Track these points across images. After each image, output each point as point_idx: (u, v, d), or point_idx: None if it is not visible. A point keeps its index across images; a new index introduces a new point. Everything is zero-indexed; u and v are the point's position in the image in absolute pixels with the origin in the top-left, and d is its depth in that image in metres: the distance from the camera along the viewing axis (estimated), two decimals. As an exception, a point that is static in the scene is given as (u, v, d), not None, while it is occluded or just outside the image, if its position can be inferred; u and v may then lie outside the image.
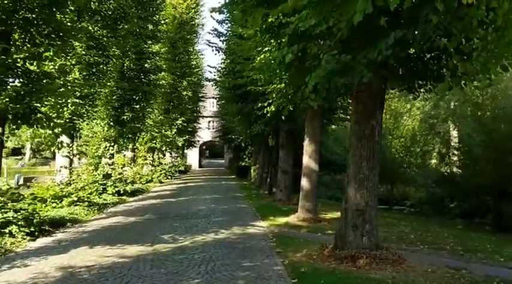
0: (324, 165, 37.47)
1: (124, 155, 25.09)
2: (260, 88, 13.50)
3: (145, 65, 22.74)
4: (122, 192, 20.96)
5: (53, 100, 14.03)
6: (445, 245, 11.93)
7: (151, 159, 33.48)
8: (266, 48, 12.05)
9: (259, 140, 26.88)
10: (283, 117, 13.79)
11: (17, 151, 61.60)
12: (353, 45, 7.85)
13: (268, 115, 13.57)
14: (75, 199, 15.74)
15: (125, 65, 21.97)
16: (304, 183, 14.41)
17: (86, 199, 16.30)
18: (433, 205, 24.67)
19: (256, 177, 32.89)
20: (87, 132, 21.32)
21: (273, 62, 9.78)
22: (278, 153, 22.49)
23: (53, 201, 15.40)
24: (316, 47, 8.09)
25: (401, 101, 28.45)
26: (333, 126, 21.93)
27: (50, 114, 15.55)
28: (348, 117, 19.72)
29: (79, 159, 20.92)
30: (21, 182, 25.96)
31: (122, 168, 26.77)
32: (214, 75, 23.08)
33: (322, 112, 15.20)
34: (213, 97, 37.58)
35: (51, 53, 11.50)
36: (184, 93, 35.32)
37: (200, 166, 65.17)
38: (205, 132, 58.77)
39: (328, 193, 34.25)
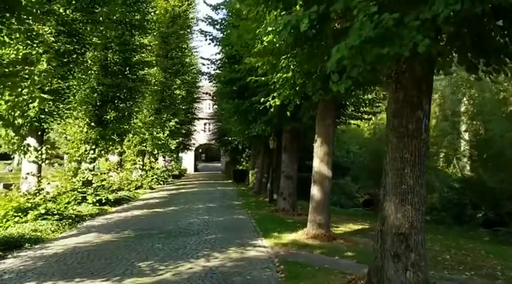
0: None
1: (107, 159, 22.57)
2: (262, 78, 11.09)
3: (131, 58, 20.25)
4: (103, 201, 18.50)
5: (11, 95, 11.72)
6: (494, 271, 9.63)
7: (142, 163, 30.97)
8: (270, 28, 9.68)
9: (258, 142, 24.50)
10: (288, 114, 11.44)
11: (7, 155, 59.03)
12: (399, 1, 5.50)
13: (272, 110, 11.19)
14: (43, 211, 13.25)
15: (108, 57, 19.51)
16: (315, 191, 11.98)
17: (56, 212, 13.80)
18: (451, 212, 22.28)
19: (254, 182, 30.48)
20: (59, 134, 18.94)
21: (280, 33, 7.35)
22: (279, 156, 20.11)
23: (15, 214, 12.93)
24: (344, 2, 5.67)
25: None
26: (343, 126, 19.46)
27: (11, 112, 13.24)
28: (360, 114, 17.34)
29: (51, 164, 18.38)
30: (1, 188, 23.45)
31: (107, 173, 24.34)
32: (208, 68, 20.72)
33: (335, 108, 12.78)
34: (208, 95, 34.94)
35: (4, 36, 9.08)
36: (178, 92, 32.78)
37: (196, 170, 62.72)
38: (201, 135, 56.29)
39: (332, 199, 31.86)
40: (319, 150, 11.93)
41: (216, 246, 10.52)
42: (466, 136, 31.00)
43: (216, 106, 45.52)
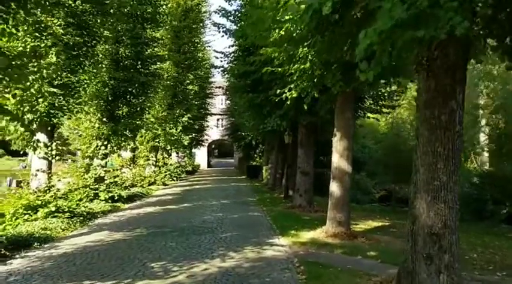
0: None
1: (119, 155, 22.20)
2: (279, 69, 10.58)
3: (143, 52, 19.82)
4: (116, 197, 18.17)
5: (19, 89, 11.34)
6: (527, 270, 9.05)
7: (155, 159, 30.63)
8: (287, 16, 9.19)
9: (273, 137, 24.00)
10: (305, 107, 10.96)
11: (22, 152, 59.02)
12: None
13: (288, 102, 10.68)
14: (53, 209, 12.90)
15: (120, 51, 19.11)
16: (335, 188, 11.46)
17: (67, 209, 13.45)
18: (471, 208, 21.53)
19: (268, 178, 30.04)
20: (71, 129, 18.61)
21: (300, 18, 6.83)
22: (295, 152, 19.61)
23: (25, 212, 12.60)
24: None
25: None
26: (361, 119, 18.81)
27: (19, 107, 12.90)
28: (379, 107, 16.75)
29: (63, 161, 18.09)
30: (13, 185, 23.23)
31: (120, 169, 24.03)
32: (222, 61, 20.21)
33: (355, 101, 12.24)
34: (221, 89, 34.49)
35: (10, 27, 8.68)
36: (190, 87, 32.33)
37: (209, 166, 62.39)
38: (214, 131, 55.93)
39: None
40: (338, 144, 11.41)
41: (232, 245, 10.07)
42: (486, 130, 30.18)
43: (228, 101, 45.13)
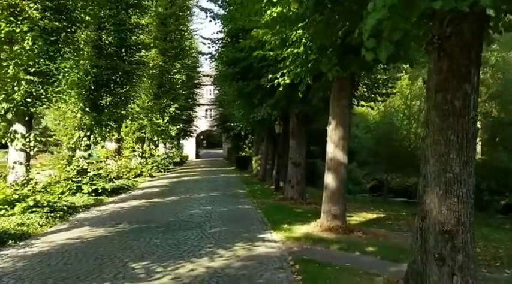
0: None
1: (102, 146, 21.38)
2: (270, 53, 9.90)
3: (127, 40, 18.98)
4: (100, 190, 17.42)
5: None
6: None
7: (141, 150, 29.81)
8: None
9: (262, 127, 23.37)
10: (299, 94, 10.33)
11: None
12: None
13: (280, 89, 10.04)
14: (31, 203, 12.16)
15: (103, 38, 18.25)
16: (329, 180, 10.85)
17: (46, 204, 12.71)
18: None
19: (258, 169, 29.43)
20: (53, 119, 17.79)
21: None
22: (285, 142, 19.02)
23: (1, 207, 11.86)
24: None
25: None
26: (355, 108, 18.11)
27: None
28: (373, 95, 16.14)
29: (44, 152, 17.32)
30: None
31: (104, 161, 23.22)
32: (209, 48, 19.41)
33: (351, 88, 11.59)
34: (209, 77, 33.69)
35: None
36: (178, 76, 31.47)
37: (197, 157, 61.64)
38: (203, 121, 55.19)
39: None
40: (333, 133, 10.77)
41: (221, 241, 9.42)
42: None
43: (217, 91, 44.38)
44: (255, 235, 10.20)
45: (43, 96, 13.07)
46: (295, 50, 9.38)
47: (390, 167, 25.27)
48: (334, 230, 10.49)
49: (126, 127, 26.00)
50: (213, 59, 16.00)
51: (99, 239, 9.73)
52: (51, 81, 13.28)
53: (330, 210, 10.79)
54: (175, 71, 31.18)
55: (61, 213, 12.89)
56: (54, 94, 13.50)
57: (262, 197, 17.52)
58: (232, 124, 33.24)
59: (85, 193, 16.80)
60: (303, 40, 9.24)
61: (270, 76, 10.09)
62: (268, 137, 25.48)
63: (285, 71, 9.91)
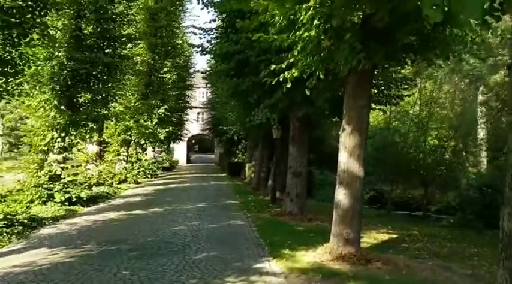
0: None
1: (79, 149, 19.31)
2: (275, 37, 7.96)
3: (110, 30, 16.96)
4: (74, 199, 15.41)
5: None
6: None
7: (126, 154, 27.72)
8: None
9: (258, 132, 21.36)
10: (307, 92, 8.49)
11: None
12: None
13: (288, 86, 8.08)
14: (-16, 217, 10.16)
15: (82, 27, 16.25)
16: (342, 196, 8.89)
17: (2, 217, 10.70)
18: (480, 214, 19.24)
19: (252, 177, 27.44)
20: (17, 118, 15.75)
21: None
22: (283, 149, 17.12)
23: None
24: None
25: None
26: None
27: None
28: (385, 97, 14.23)
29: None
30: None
31: (84, 166, 21.18)
32: (201, 39, 17.39)
33: (371, 84, 9.63)
34: (200, 73, 31.77)
35: None
36: (168, 76, 29.49)
37: (188, 161, 59.46)
38: (194, 125, 53.00)
39: (328, 195, 28.74)
40: (348, 140, 8.81)
41: (207, 274, 7.44)
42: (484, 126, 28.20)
43: (210, 94, 42.44)
44: (250, 264, 8.23)
45: (1, 89, 11.01)
46: (306, 34, 7.45)
47: (394, 178, 23.28)
48: (348, 258, 8.52)
49: (107, 128, 23.90)
50: (205, 52, 14.03)
51: (54, 267, 7.70)
52: (12, 71, 11.21)
53: (341, 233, 8.82)
54: (165, 69, 29.21)
55: (20, 227, 10.91)
56: (15, 87, 11.44)
57: (257, 210, 15.54)
58: (225, 128, 31.25)
59: (57, 203, 14.92)
60: (315, 21, 7.32)
61: (273, 67, 8.12)
62: (264, 142, 23.51)
63: (292, 60, 7.97)
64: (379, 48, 7.68)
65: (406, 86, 14.49)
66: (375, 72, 10.83)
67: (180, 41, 32.38)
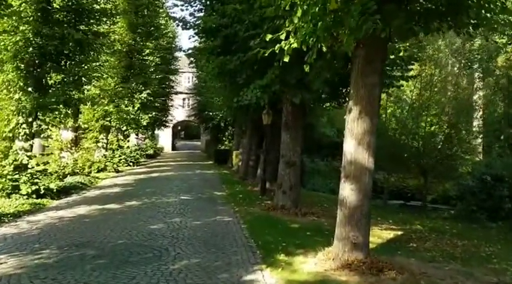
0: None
1: (48, 136, 17.58)
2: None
3: (82, 5, 15.23)
4: (42, 191, 13.86)
5: None
6: None
7: (105, 141, 26.02)
8: None
9: (246, 117, 19.85)
10: (306, 68, 7.09)
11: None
12: None
13: (286, 59, 6.58)
14: None
15: (51, 1, 14.53)
16: (348, 192, 7.46)
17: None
18: (483, 206, 18.01)
19: (239, 165, 25.98)
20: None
21: None
22: (274, 135, 15.74)
23: None
24: None
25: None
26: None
27: None
28: (388, 80, 12.78)
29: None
30: None
31: (58, 154, 19.56)
32: (183, 10, 15.75)
33: (384, 57, 8.13)
34: (182, 51, 30.01)
35: None
36: (150, 58, 27.69)
37: (174, 148, 57.82)
38: (180, 111, 51.13)
39: (330, 186, 27.45)
40: (356, 125, 7.35)
41: (187, 290, 6.01)
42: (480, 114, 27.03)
43: (195, 78, 40.73)
44: (240, 275, 6.79)
45: None
46: (308, -5, 5.96)
47: (390, 166, 21.91)
48: (356, 267, 7.12)
49: (82, 113, 22.21)
50: (187, 27, 12.37)
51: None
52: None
53: (347, 236, 7.41)
54: (147, 51, 27.40)
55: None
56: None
57: (246, 203, 14.10)
58: (211, 114, 29.66)
59: (23, 195, 13.40)
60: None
61: (268, 37, 6.62)
62: (252, 129, 22.08)
63: (290, 28, 6.47)
64: (398, 11, 6.23)
65: (411, 66, 13.06)
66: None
67: (163, 22, 30.58)
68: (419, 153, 20.00)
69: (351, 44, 6.63)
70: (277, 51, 6.65)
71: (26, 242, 8.54)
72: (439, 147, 20.06)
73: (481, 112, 27.15)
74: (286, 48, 6.58)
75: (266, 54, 6.84)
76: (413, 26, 6.36)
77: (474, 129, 26.63)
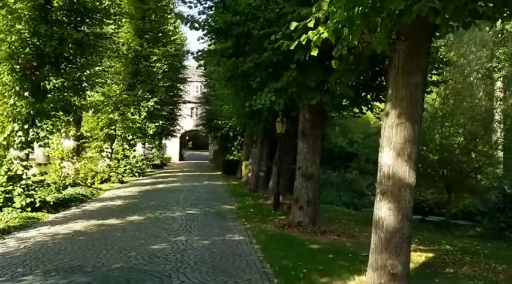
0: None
1: (45, 144, 16.35)
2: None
3: (83, 3, 14.18)
4: (38, 204, 12.78)
5: None
6: None
7: (110, 150, 24.96)
8: None
9: (256, 125, 18.68)
10: (333, 64, 5.99)
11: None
12: None
13: (314, 53, 5.41)
14: None
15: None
16: (385, 212, 6.27)
17: None
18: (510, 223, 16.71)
19: (249, 176, 24.81)
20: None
21: None
22: (288, 145, 14.64)
23: None
24: None
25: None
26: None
27: None
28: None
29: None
30: None
31: (59, 163, 18.49)
32: (191, 7, 14.65)
33: (428, 54, 6.96)
34: (191, 55, 28.98)
35: None
36: (158, 65, 26.69)
37: (181, 158, 56.78)
38: (188, 121, 50.09)
39: (344, 199, 26.19)
40: (395, 132, 6.18)
41: None
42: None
43: (203, 87, 39.75)
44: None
45: None
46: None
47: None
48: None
49: (88, 121, 21.18)
50: (195, 26, 11.19)
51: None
52: None
53: (385, 265, 6.20)
54: (154, 58, 26.42)
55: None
56: None
57: (258, 219, 12.92)
58: (219, 122, 28.56)
59: (17, 208, 12.30)
60: None
61: (293, 26, 5.48)
62: (263, 138, 20.92)
63: (321, 15, 5.33)
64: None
65: (442, 70, 11.86)
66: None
67: (171, 28, 29.66)
68: (443, 166, 18.70)
69: (386, 37, 5.50)
70: (303, 43, 5.50)
71: (9, 266, 7.41)
72: (465, 159, 18.71)
73: (502, 124, 25.87)
74: (314, 39, 5.43)
75: (292, 47, 5.69)
76: (478, 6, 5.13)
77: (498, 140, 25.34)
